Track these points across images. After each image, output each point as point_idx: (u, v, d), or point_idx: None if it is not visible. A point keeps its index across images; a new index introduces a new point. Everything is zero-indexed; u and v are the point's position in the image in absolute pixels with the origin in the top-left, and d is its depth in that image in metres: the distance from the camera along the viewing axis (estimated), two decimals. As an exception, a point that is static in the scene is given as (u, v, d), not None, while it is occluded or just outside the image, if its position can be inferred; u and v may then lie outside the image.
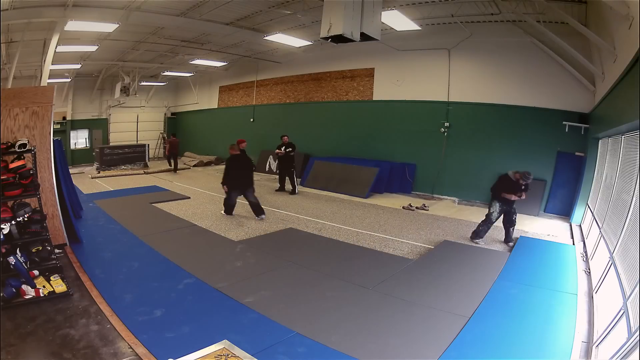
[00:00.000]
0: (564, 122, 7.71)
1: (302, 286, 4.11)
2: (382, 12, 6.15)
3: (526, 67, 8.14)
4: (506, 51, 8.35)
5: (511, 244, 5.70)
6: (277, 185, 10.03)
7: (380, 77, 10.71)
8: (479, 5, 7.18)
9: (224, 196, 7.06)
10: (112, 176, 12.44)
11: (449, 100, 9.31)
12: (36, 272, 3.76)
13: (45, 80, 8.56)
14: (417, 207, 8.12)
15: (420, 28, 8.18)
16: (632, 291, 2.52)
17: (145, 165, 14.49)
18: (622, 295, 2.78)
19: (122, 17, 7.63)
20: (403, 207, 8.11)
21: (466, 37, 8.60)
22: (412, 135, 10.00)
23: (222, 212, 7.14)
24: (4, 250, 3.57)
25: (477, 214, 7.78)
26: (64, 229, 4.96)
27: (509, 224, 5.79)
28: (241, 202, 7.29)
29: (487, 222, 5.79)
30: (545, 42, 7.47)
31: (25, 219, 3.82)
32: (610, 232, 4.08)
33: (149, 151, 15.30)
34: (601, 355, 2.70)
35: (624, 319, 2.49)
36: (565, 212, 7.68)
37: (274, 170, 12.80)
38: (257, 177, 12.14)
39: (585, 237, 5.95)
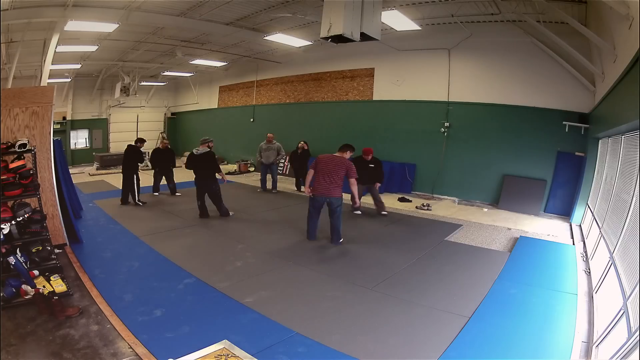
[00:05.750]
0: (564, 122, 7.71)
1: (302, 286, 4.11)
2: (382, 12, 6.14)
3: (526, 67, 8.14)
4: (506, 51, 8.34)
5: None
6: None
7: (380, 77, 10.70)
8: (479, 5, 7.18)
9: None
10: (111, 173, 12.69)
11: (449, 100, 9.31)
12: (36, 272, 3.76)
13: (45, 80, 8.55)
14: (417, 207, 8.12)
15: (420, 28, 8.17)
16: (632, 291, 2.52)
17: (146, 166, 14.57)
18: (622, 295, 2.78)
19: (122, 17, 7.62)
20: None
21: (466, 37, 8.60)
22: (412, 135, 10.00)
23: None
24: (4, 250, 3.57)
25: (476, 214, 7.79)
26: (64, 229, 4.97)
27: None
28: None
29: None
30: (545, 42, 7.47)
31: (25, 219, 3.82)
32: (610, 232, 4.08)
33: (149, 154, 15.39)
34: (601, 355, 2.70)
35: (624, 319, 2.49)
36: (565, 212, 7.68)
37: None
38: (257, 177, 12.15)
39: (585, 237, 5.95)
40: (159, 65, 13.82)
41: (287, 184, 10.74)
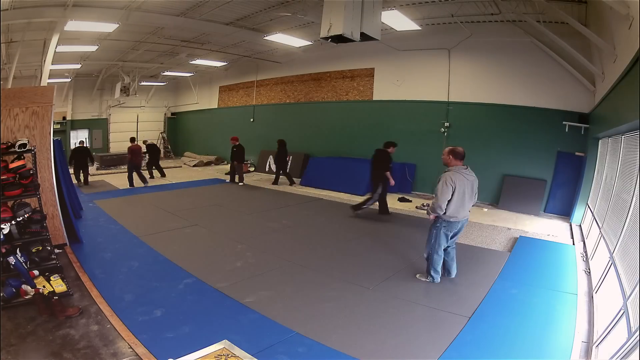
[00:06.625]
0: (564, 122, 7.71)
1: (302, 286, 4.11)
2: (382, 12, 6.15)
3: (526, 67, 8.14)
4: (506, 51, 8.34)
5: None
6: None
7: (380, 77, 10.70)
8: (479, 5, 7.18)
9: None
10: (111, 173, 12.69)
11: (449, 100, 9.31)
12: (36, 272, 3.76)
13: (45, 80, 8.56)
14: (417, 207, 8.12)
15: (420, 28, 8.18)
16: (632, 291, 2.52)
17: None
18: (622, 295, 2.78)
19: (122, 17, 7.63)
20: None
21: (466, 37, 8.59)
22: (412, 135, 9.99)
23: None
24: (4, 250, 3.57)
25: (476, 214, 7.78)
26: (64, 229, 4.97)
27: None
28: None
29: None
30: (546, 42, 7.47)
31: (25, 219, 3.82)
32: (610, 232, 4.08)
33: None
34: (601, 355, 2.70)
35: (624, 319, 2.49)
36: (565, 212, 7.68)
37: (274, 170, 12.80)
38: (257, 177, 12.18)
39: (585, 237, 5.95)
40: (159, 65, 13.83)
41: (286, 184, 10.74)
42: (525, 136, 8.27)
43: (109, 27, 8.10)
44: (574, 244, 5.81)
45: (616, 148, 4.87)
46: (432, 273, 4.22)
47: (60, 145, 6.39)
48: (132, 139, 10.69)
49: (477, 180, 4.15)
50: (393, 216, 7.47)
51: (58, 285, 3.65)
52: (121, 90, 14.52)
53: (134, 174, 10.25)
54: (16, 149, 3.97)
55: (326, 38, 5.35)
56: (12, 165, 3.85)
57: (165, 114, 18.97)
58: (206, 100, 16.97)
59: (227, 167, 14.44)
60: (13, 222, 3.70)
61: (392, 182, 7.22)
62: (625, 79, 3.95)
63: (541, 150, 8.09)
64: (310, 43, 10.00)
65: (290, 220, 6.94)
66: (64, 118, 15.40)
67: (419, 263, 4.84)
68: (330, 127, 11.95)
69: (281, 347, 2.90)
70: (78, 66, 12.28)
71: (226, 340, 2.25)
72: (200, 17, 8.27)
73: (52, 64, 8.62)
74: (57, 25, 7.62)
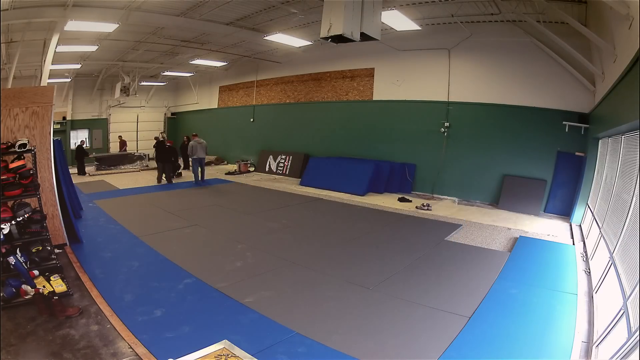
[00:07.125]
0: (564, 122, 7.72)
1: (302, 286, 4.11)
2: (382, 12, 6.14)
3: (526, 67, 8.14)
4: (506, 51, 8.35)
5: None
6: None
7: (380, 77, 10.71)
8: (479, 5, 7.18)
9: None
10: (110, 174, 12.73)
11: (449, 100, 9.31)
12: (36, 272, 3.76)
13: (45, 80, 8.55)
14: (417, 207, 8.12)
15: (420, 28, 8.18)
16: (632, 291, 2.52)
17: (147, 166, 14.57)
18: (622, 295, 2.78)
19: (122, 17, 7.63)
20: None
21: (466, 37, 8.60)
22: (412, 135, 10.00)
23: None
24: (4, 250, 3.57)
25: (477, 214, 7.79)
26: (64, 229, 4.97)
27: None
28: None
29: None
30: (545, 42, 7.47)
31: (25, 219, 3.82)
32: (610, 232, 4.08)
33: (148, 156, 15.16)
34: (601, 355, 2.70)
35: (624, 319, 2.49)
36: (565, 212, 7.68)
37: (274, 170, 12.82)
38: (257, 177, 12.18)
39: (585, 237, 5.95)
40: (159, 65, 13.83)
41: (287, 184, 10.74)
42: (525, 136, 8.28)
43: (109, 27, 8.10)
44: (574, 244, 5.82)
45: (616, 148, 4.87)
46: None
47: (60, 145, 6.39)
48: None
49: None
50: (393, 216, 7.47)
51: (58, 285, 3.66)
52: (121, 90, 14.51)
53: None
54: (16, 149, 3.98)
55: (326, 38, 5.35)
56: (12, 165, 3.86)
57: (165, 114, 18.97)
58: (206, 100, 16.97)
59: (228, 167, 14.48)
60: (13, 222, 3.70)
61: None
62: (625, 79, 3.95)
63: (541, 151, 8.09)
64: (310, 43, 10.00)
65: (290, 220, 6.94)
66: (64, 118, 15.40)
67: (419, 263, 4.85)
68: (330, 127, 11.95)
69: (281, 347, 2.90)
70: (78, 66, 12.28)
71: (226, 340, 2.25)
72: (200, 17, 8.27)
73: (52, 64, 8.61)
74: (57, 25, 7.61)
